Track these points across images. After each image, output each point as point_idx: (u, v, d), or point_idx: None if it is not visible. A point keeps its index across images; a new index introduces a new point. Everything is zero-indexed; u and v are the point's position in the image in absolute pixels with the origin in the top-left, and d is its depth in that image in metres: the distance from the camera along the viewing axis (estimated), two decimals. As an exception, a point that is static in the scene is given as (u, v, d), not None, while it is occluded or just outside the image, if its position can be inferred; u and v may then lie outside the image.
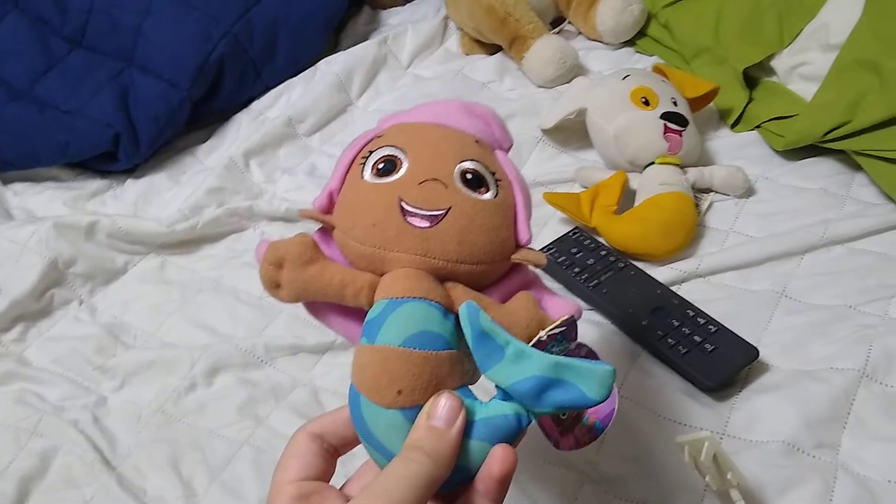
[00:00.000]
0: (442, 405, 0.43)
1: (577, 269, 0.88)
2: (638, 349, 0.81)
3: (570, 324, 0.48)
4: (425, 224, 0.47)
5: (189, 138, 1.19)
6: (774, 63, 1.07)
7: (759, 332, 0.81)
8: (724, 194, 0.98)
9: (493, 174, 0.50)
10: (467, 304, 0.45)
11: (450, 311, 0.47)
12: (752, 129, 1.06)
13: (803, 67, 1.04)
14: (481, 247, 0.48)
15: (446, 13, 1.31)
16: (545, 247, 0.92)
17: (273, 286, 0.48)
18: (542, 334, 0.47)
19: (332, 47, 1.32)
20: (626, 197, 0.95)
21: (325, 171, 1.10)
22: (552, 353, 0.45)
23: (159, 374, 0.83)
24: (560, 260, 0.89)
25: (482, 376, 0.46)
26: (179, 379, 0.81)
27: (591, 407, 0.45)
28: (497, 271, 0.50)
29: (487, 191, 0.49)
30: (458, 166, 0.49)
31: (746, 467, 0.67)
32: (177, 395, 0.79)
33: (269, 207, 1.02)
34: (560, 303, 0.51)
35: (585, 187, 0.99)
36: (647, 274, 0.87)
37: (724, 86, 1.08)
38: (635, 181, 0.96)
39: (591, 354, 0.49)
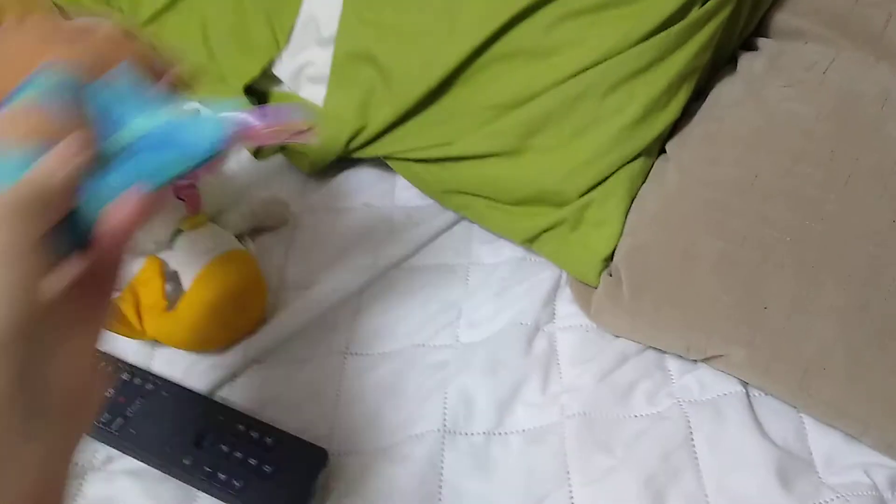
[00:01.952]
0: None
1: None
2: (193, 493, 0.63)
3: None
4: None
5: None
6: (277, 70, 0.92)
7: (330, 415, 0.67)
8: (270, 229, 0.83)
9: None
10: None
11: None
12: (278, 153, 0.91)
13: (308, 69, 0.90)
14: None
15: None
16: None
17: None
18: None
19: None
20: (172, 282, 0.75)
21: None
22: None
23: None
24: (72, 405, 0.67)
25: None
26: None
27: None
28: None
29: None
30: None
31: None
32: None
33: None
34: None
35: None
36: (185, 389, 0.68)
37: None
38: (172, 261, 0.75)
39: None
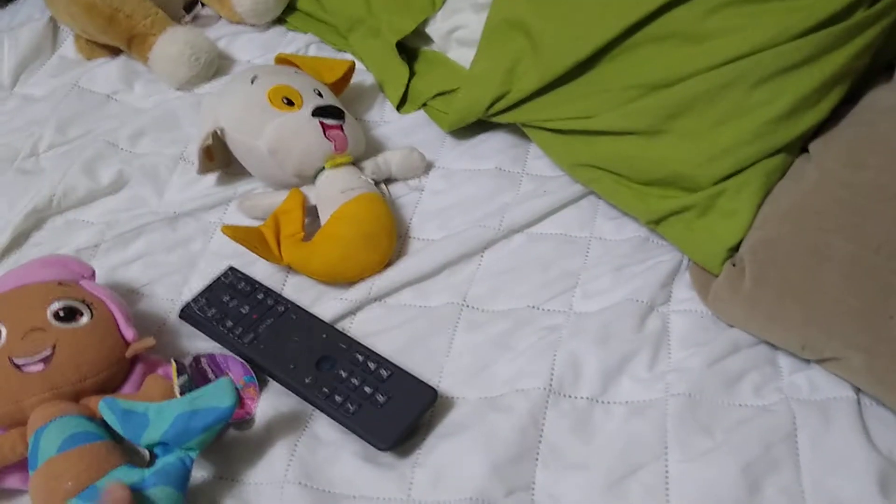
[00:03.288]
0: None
1: (229, 323, 0.72)
2: (309, 409, 0.68)
3: (181, 366, 0.66)
4: (40, 367, 0.61)
5: None
6: (430, 29, 0.96)
7: (441, 360, 0.71)
8: (404, 180, 0.87)
9: (84, 301, 0.66)
10: (103, 399, 0.58)
11: (92, 417, 0.60)
12: (420, 109, 0.94)
13: (459, 32, 0.93)
14: (96, 360, 0.63)
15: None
16: (193, 298, 0.75)
17: None
18: (175, 390, 0.63)
19: None
20: (311, 216, 0.81)
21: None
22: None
23: None
24: (210, 315, 0.73)
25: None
26: None
27: (230, 414, 0.58)
28: (119, 372, 0.65)
29: (83, 316, 0.65)
30: (48, 309, 0.64)
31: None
32: None
33: None
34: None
35: (258, 218, 0.83)
36: (312, 315, 0.73)
37: (383, 62, 0.95)
38: (312, 195, 0.81)
39: (212, 361, 0.69)
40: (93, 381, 0.63)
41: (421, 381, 0.67)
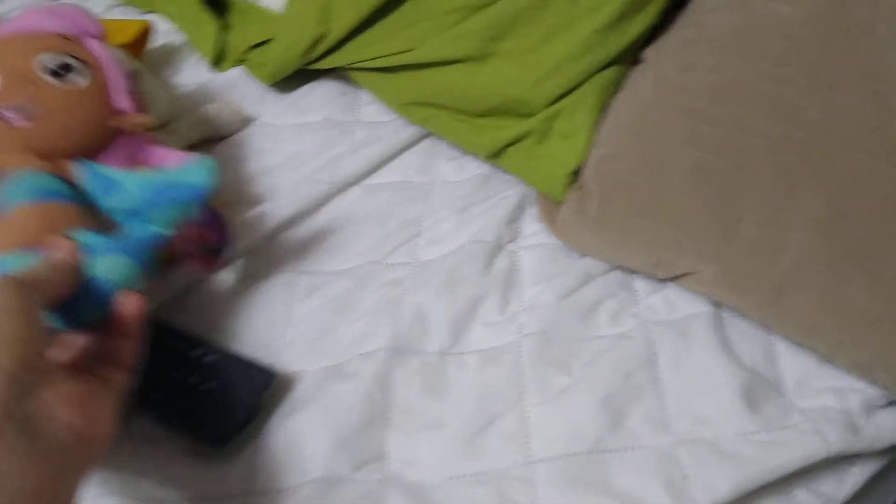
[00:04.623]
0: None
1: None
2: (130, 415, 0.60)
3: None
4: (26, 123, 0.56)
5: None
6: (237, -25, 0.87)
7: (283, 330, 0.64)
8: (223, 138, 0.79)
9: (82, 60, 0.60)
10: (79, 161, 0.56)
11: (65, 179, 0.55)
12: (239, 65, 0.86)
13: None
14: (81, 126, 0.58)
15: None
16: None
17: None
18: None
19: None
20: None
21: None
22: None
23: None
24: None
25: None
26: None
27: (205, 194, 0.54)
28: (103, 141, 0.60)
29: (78, 75, 0.59)
30: (37, 59, 0.58)
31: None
32: None
33: None
34: (169, 154, 0.62)
35: None
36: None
37: (190, 18, 0.86)
38: None
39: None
40: (74, 146, 0.58)
41: (253, 363, 0.60)
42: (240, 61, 0.85)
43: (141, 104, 0.67)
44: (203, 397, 0.58)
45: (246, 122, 0.79)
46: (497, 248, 0.67)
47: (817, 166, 0.56)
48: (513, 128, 0.68)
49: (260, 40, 0.83)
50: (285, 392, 0.60)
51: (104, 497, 0.54)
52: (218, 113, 0.77)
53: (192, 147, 0.75)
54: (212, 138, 0.77)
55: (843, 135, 0.56)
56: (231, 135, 0.78)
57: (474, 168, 0.74)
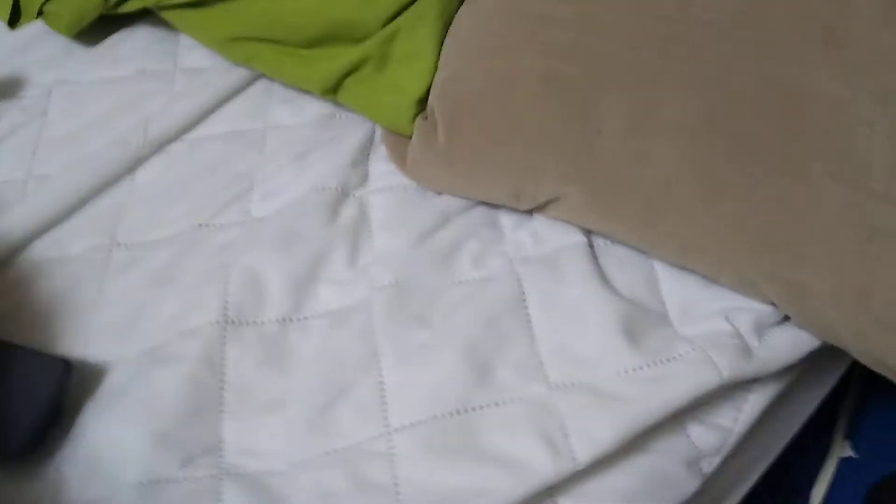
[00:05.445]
0: None
1: None
2: None
3: None
4: None
5: None
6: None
7: (88, 318, 0.55)
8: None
9: None
10: None
11: None
12: (38, 19, 0.74)
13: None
14: None
15: None
16: None
17: None
18: None
19: None
20: None
21: None
22: None
23: None
24: None
25: None
26: None
27: None
28: None
29: None
30: None
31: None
32: None
33: None
34: None
35: None
36: None
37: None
38: None
39: None
40: None
41: (45, 356, 0.50)
42: (39, 16, 0.73)
43: None
44: (-14, 405, 0.47)
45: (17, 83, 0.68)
46: (342, 195, 0.59)
47: (679, 63, 0.49)
48: (345, 55, 0.60)
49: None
50: (95, 385, 0.51)
51: None
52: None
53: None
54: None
55: (704, 26, 0.50)
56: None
57: (314, 109, 0.66)
